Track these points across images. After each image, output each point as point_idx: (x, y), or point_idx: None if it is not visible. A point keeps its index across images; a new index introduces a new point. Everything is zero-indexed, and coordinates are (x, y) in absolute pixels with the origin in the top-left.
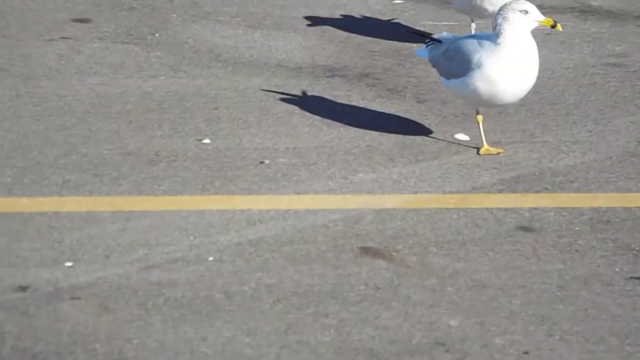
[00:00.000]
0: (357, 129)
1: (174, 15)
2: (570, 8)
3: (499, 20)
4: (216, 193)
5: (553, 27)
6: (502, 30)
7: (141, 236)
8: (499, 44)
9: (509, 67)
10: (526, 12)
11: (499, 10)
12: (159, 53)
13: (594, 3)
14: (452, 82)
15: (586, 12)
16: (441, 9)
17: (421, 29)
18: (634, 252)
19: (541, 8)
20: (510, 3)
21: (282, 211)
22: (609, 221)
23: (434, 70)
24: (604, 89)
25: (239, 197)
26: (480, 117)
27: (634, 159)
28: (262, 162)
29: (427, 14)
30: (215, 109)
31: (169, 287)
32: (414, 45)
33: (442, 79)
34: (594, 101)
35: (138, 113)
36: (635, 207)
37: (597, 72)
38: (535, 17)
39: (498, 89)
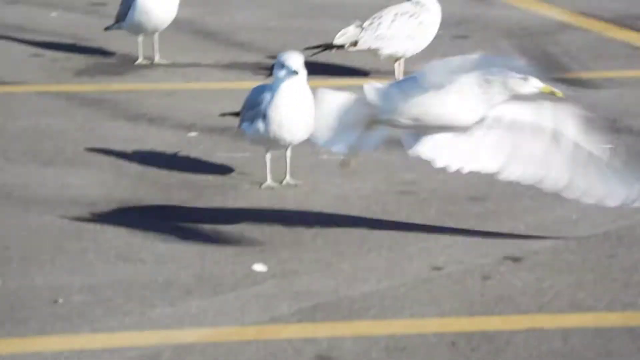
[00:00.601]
0: (154, 263)
1: None
2: None
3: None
4: (6, 336)
5: (295, 72)
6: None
7: None
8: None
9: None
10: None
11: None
12: None
13: None
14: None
15: None
16: (236, 140)
17: (216, 161)
18: None
19: None
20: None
21: (76, 351)
22: (404, 348)
23: (230, 201)
24: (397, 216)
25: (30, 339)
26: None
27: (427, 285)
28: (55, 301)
29: (222, 145)
30: (6, 248)
31: None
32: (209, 177)
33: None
34: (388, 228)
35: None
36: (430, 332)
37: (390, 199)
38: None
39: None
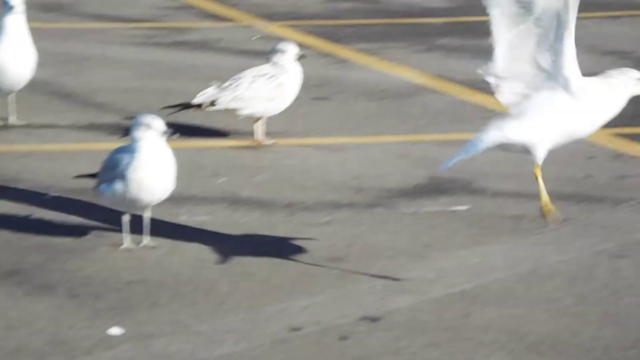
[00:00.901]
0: (4, 329)
1: None
2: (221, 199)
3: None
4: None
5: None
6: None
7: None
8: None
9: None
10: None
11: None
12: None
13: (244, 194)
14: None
15: (237, 202)
16: (93, 202)
17: (73, 223)
18: None
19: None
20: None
21: None
22: None
23: (87, 263)
24: (256, 277)
25: None
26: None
27: (284, 346)
28: None
29: (79, 207)
30: None
31: None
32: (66, 240)
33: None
34: (247, 289)
35: None
36: None
37: (249, 260)
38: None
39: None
